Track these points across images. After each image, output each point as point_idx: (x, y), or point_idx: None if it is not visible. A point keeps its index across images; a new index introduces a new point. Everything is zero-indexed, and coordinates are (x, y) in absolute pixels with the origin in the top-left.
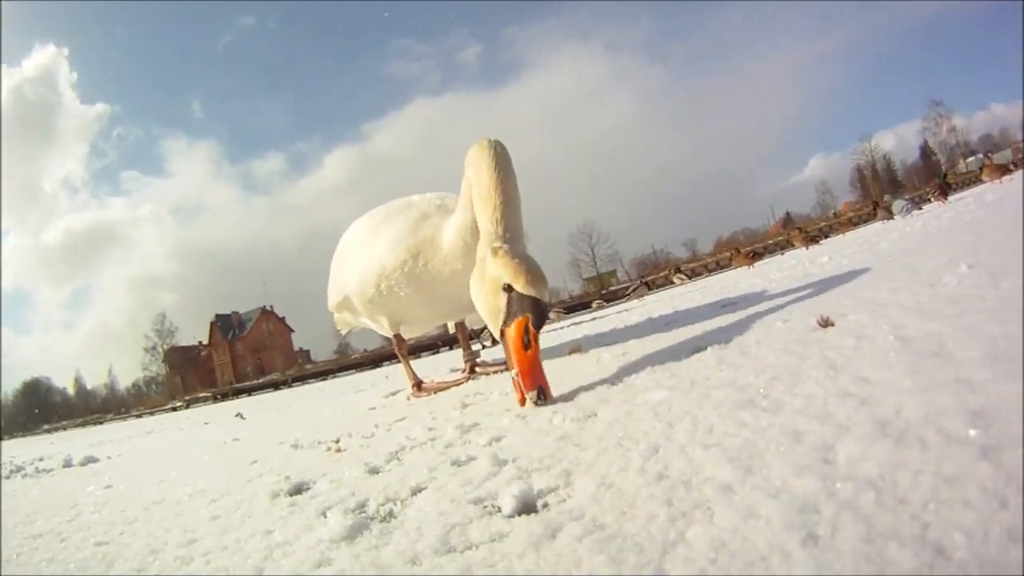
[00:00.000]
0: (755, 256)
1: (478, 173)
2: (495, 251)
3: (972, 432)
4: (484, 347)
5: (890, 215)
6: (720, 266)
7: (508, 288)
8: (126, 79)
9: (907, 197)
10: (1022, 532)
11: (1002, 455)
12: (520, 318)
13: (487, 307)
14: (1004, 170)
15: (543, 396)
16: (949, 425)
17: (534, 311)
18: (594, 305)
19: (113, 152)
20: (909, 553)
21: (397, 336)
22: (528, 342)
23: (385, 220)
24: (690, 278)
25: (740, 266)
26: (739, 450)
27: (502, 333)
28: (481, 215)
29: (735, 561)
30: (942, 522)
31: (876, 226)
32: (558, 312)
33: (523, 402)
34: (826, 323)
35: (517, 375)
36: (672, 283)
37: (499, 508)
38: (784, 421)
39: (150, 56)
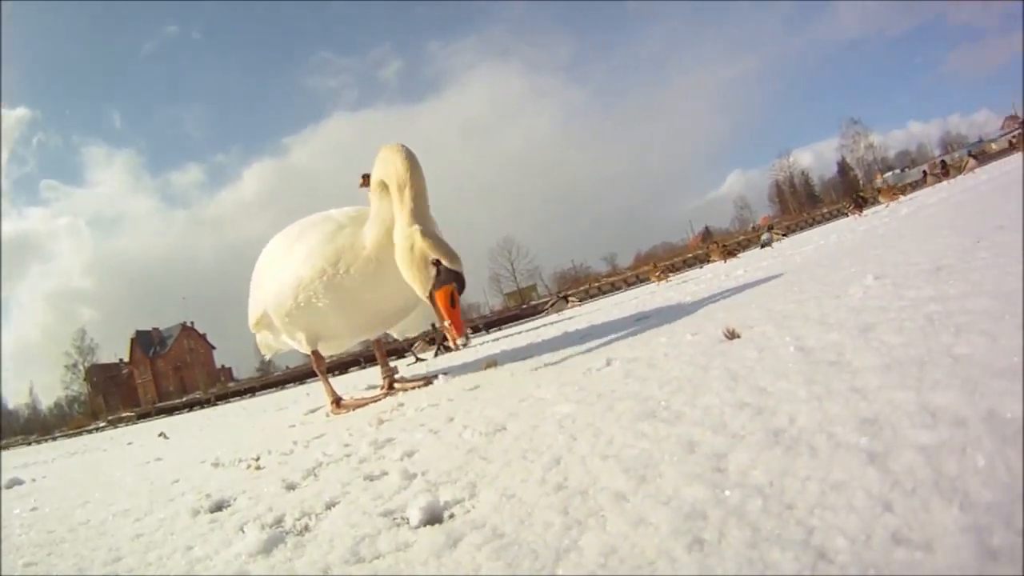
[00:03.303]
0: (669, 270)
1: (395, 168)
2: (422, 233)
3: (862, 439)
4: (419, 359)
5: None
6: (640, 280)
7: (436, 263)
8: (46, 83)
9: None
10: (907, 534)
11: (889, 460)
12: (448, 286)
13: (418, 278)
14: (896, 194)
15: (467, 337)
16: (840, 432)
17: (458, 281)
18: (570, 302)
19: (32, 159)
20: (791, 557)
21: (315, 353)
22: (454, 303)
23: (300, 234)
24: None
25: (655, 281)
26: (635, 460)
27: (430, 296)
28: (399, 203)
29: (623, 566)
30: (826, 526)
31: (797, 237)
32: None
33: (455, 342)
34: (732, 335)
35: (449, 326)
36: (567, 305)
37: (407, 519)
38: (681, 432)
39: (71, 60)
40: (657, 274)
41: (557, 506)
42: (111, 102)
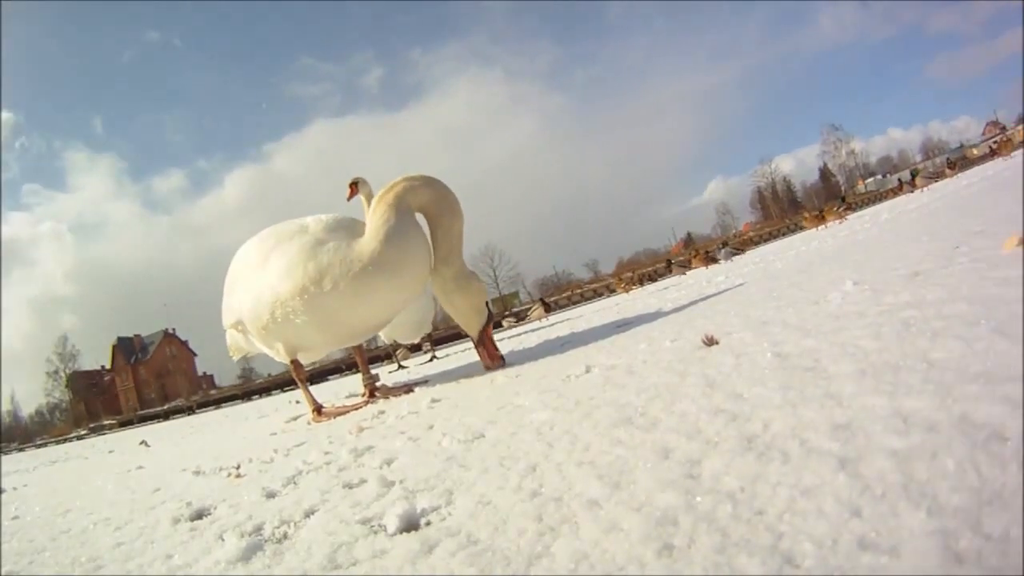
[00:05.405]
0: (640, 279)
1: (449, 204)
2: (477, 277)
3: (834, 445)
4: (401, 367)
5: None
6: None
7: (486, 304)
8: (29, 87)
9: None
10: (873, 539)
11: (860, 466)
12: (491, 323)
13: (477, 322)
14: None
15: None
16: (813, 438)
17: (493, 320)
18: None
19: (15, 164)
20: (758, 562)
21: (295, 362)
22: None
23: (276, 245)
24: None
25: (622, 292)
26: (610, 467)
27: (482, 332)
28: (447, 242)
29: (594, 571)
30: (795, 532)
31: (775, 244)
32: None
33: (492, 367)
34: (711, 342)
35: (495, 354)
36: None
37: (384, 527)
38: (656, 438)
39: (54, 65)
40: (623, 285)
41: (531, 513)
42: (93, 107)
